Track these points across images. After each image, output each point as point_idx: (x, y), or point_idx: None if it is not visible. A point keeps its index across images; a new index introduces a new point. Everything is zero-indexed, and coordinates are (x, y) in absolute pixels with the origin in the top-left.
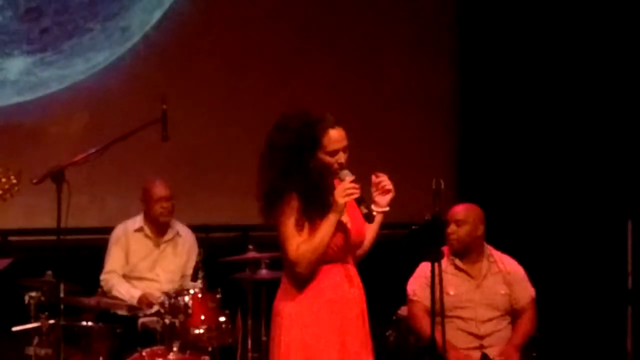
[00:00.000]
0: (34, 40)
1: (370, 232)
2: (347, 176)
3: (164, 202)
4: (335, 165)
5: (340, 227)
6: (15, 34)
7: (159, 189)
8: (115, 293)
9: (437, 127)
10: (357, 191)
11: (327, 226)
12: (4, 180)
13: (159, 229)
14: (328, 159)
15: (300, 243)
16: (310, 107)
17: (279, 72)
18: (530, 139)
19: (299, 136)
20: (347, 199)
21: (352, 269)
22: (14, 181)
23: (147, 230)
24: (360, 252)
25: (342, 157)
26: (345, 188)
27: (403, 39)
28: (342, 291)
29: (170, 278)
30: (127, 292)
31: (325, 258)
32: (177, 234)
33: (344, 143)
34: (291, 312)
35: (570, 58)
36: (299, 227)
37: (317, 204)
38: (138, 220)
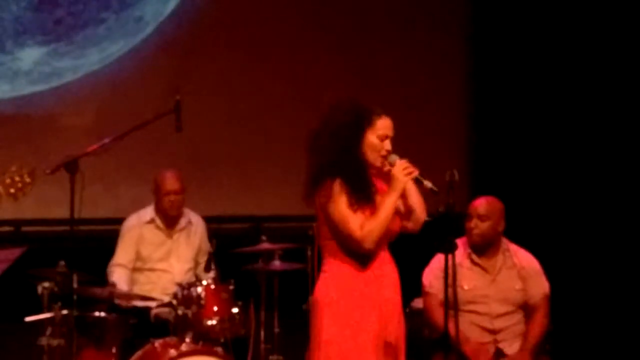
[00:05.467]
0: (48, 30)
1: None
2: (397, 159)
3: (172, 195)
4: (383, 151)
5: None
6: (29, 24)
7: (169, 183)
8: None
9: (451, 117)
10: (416, 170)
11: (389, 203)
12: (17, 179)
13: (169, 220)
14: (377, 142)
15: (363, 222)
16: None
17: (293, 63)
18: (547, 128)
19: (353, 113)
20: (408, 177)
21: (386, 254)
22: (28, 180)
23: (159, 222)
24: (415, 226)
25: (388, 145)
26: (405, 167)
27: (417, 29)
28: (376, 275)
29: (184, 268)
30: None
31: None
32: (189, 222)
33: (392, 133)
34: (332, 296)
35: (593, 43)
36: (353, 207)
37: (362, 188)
38: (149, 212)
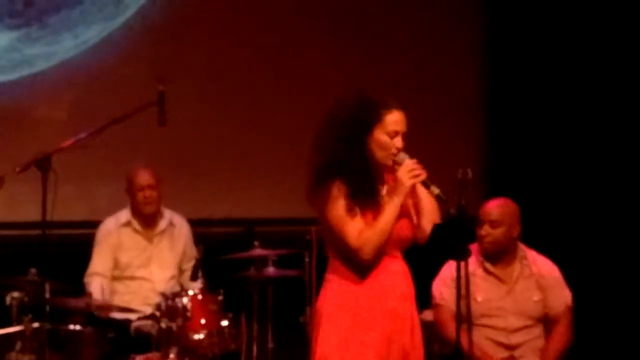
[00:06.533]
0: (18, 13)
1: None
2: (406, 159)
3: (146, 190)
4: (393, 149)
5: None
6: None
7: (141, 177)
8: None
9: (466, 111)
10: (424, 173)
11: (391, 209)
12: None
13: (147, 221)
14: (385, 139)
15: (361, 229)
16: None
17: (290, 51)
18: (567, 124)
19: (360, 108)
20: (413, 180)
21: (397, 263)
22: None
23: (136, 224)
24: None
25: (399, 142)
26: (411, 169)
27: (431, 24)
28: (382, 285)
29: (165, 275)
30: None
31: None
32: (171, 223)
33: (404, 128)
34: (333, 307)
35: (615, 41)
36: (351, 212)
37: (366, 189)
38: (125, 214)
